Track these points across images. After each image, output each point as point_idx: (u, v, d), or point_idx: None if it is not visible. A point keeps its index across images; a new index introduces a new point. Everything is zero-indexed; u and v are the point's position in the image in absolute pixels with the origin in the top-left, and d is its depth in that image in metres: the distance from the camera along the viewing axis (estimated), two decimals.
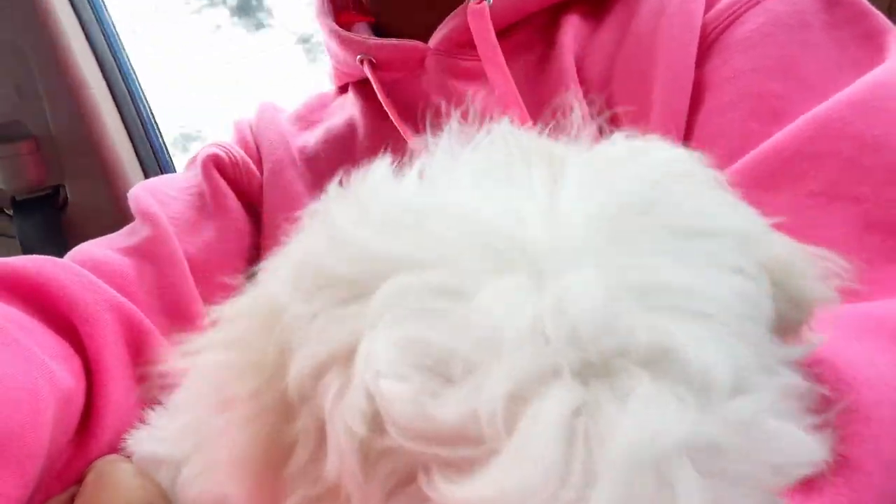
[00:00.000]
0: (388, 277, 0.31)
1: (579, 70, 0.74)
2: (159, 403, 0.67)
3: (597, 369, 0.29)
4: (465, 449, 0.29)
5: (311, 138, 0.94)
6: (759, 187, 0.52)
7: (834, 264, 0.39)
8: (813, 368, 0.37)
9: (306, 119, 0.99)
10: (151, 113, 1.50)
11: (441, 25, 0.82)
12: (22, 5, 1.35)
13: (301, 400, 0.33)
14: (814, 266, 0.38)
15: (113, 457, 0.62)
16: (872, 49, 0.60)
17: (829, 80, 0.58)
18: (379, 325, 0.31)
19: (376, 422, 0.31)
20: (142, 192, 0.85)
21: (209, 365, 0.38)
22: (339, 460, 0.32)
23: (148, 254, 0.78)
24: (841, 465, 0.39)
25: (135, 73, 1.51)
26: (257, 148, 0.93)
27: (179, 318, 0.76)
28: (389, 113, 0.84)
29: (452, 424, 0.29)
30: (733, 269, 0.33)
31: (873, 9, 0.63)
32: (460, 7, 0.80)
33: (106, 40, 1.47)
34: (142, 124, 1.46)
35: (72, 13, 1.43)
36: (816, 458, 0.33)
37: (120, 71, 1.48)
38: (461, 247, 0.32)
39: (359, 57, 0.87)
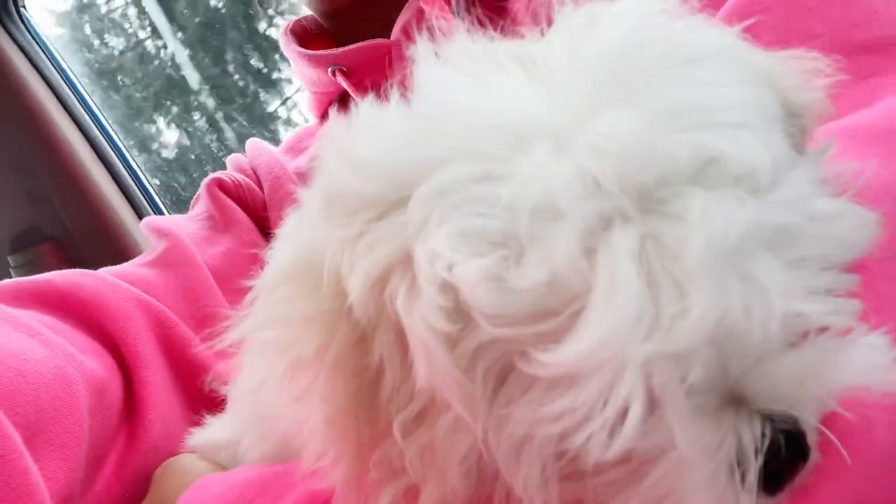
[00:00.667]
0: (417, 184, 0.33)
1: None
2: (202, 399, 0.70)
3: (651, 198, 0.31)
4: (553, 318, 0.30)
5: (304, 160, 0.97)
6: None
7: (816, 62, 0.41)
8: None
9: (296, 148, 1.02)
10: (155, 192, 1.57)
11: (398, 18, 0.85)
12: (25, 121, 1.44)
13: (371, 322, 0.34)
14: (796, 74, 0.40)
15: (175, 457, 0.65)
16: None
17: None
18: (429, 224, 0.32)
19: (458, 314, 0.31)
20: (154, 218, 0.89)
21: (265, 342, 0.39)
22: (427, 364, 0.32)
23: (168, 262, 0.81)
24: None
25: (135, 161, 1.59)
26: (254, 171, 0.97)
27: (204, 317, 0.78)
28: None
29: (534, 293, 0.30)
30: (740, 81, 0.35)
31: None
32: None
33: (107, 140, 1.55)
34: (148, 203, 1.53)
35: (71, 122, 1.51)
36: (871, 225, 0.35)
37: (123, 164, 1.56)
38: (476, 138, 0.33)
39: (330, 69, 0.91)
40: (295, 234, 0.42)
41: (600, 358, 0.29)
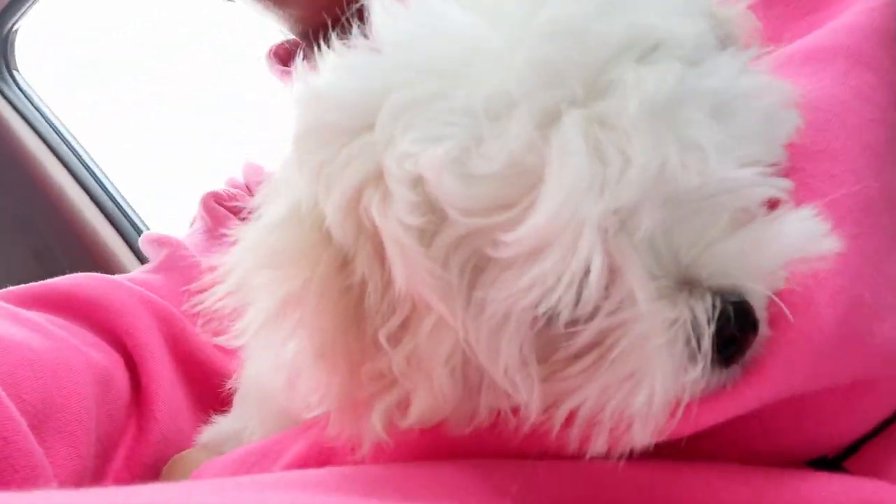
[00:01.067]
0: (379, 108, 0.35)
1: None
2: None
3: (595, 79, 0.34)
4: (516, 204, 0.33)
5: None
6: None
7: None
8: None
9: None
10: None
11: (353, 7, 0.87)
12: (24, 179, 1.46)
13: (350, 243, 0.36)
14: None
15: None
16: None
17: None
18: (395, 137, 0.34)
19: (428, 207, 0.34)
20: (151, 232, 0.90)
21: (257, 288, 0.40)
22: (404, 263, 0.34)
23: (171, 266, 0.82)
24: None
25: (140, 218, 1.60)
26: (247, 187, 0.99)
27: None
28: None
29: (496, 179, 0.33)
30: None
31: None
32: None
33: (110, 198, 1.57)
34: None
35: (70, 177, 1.53)
36: (794, 101, 0.40)
37: (129, 222, 1.58)
38: (429, 59, 0.36)
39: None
40: (275, 190, 0.43)
41: (559, 224, 0.32)
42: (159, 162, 1.76)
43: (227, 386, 0.64)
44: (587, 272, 0.33)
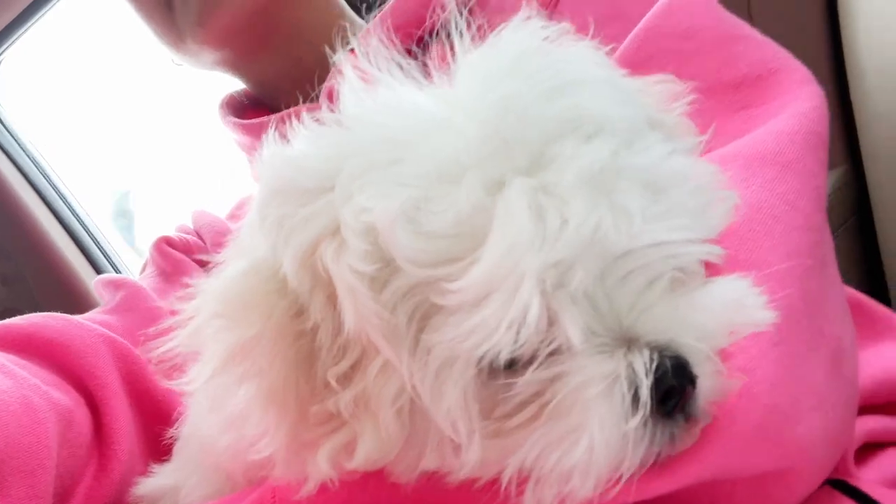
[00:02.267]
0: (339, 172, 0.39)
1: None
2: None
3: (537, 152, 0.38)
4: (463, 258, 0.36)
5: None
6: None
7: (671, 87, 0.50)
8: None
9: (238, 216, 1.02)
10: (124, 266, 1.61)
11: (325, 83, 0.83)
12: None
13: (304, 285, 0.39)
14: (658, 96, 0.49)
15: None
16: None
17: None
18: (352, 195, 0.38)
19: (379, 256, 0.37)
20: (105, 276, 0.89)
21: (208, 338, 0.43)
22: (354, 307, 0.37)
23: (128, 307, 0.81)
24: None
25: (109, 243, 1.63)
26: (198, 233, 0.98)
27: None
28: None
29: (445, 235, 0.37)
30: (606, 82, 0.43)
31: None
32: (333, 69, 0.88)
33: (78, 221, 1.59)
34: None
35: (43, 204, 1.55)
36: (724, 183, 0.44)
37: (100, 250, 1.60)
38: (388, 129, 0.40)
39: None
40: (238, 247, 0.46)
41: (501, 273, 0.36)
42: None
43: (169, 434, 0.64)
44: (525, 319, 0.36)
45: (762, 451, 0.43)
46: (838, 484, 0.52)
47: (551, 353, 0.38)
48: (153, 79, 1.60)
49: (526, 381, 0.38)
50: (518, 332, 0.36)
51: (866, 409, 0.60)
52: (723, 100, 0.60)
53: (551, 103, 0.40)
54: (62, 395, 0.65)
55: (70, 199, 1.59)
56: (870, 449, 0.59)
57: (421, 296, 0.38)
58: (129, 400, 0.72)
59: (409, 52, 0.45)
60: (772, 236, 0.48)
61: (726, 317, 0.41)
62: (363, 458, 0.39)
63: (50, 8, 1.45)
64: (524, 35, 0.45)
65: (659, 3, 0.65)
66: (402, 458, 0.40)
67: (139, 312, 0.81)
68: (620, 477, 0.38)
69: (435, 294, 0.37)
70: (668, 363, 0.38)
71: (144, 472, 0.72)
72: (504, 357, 0.38)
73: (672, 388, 0.38)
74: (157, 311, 0.82)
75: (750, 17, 1.20)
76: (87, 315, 0.80)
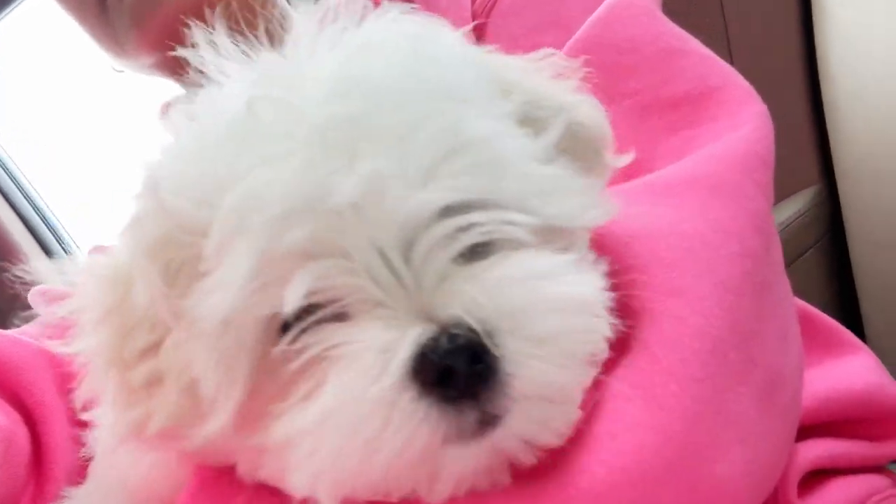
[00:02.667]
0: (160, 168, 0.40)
1: None
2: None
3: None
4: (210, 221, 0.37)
5: None
6: None
7: (558, 63, 0.47)
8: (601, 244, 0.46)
9: None
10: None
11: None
12: None
13: (130, 272, 0.40)
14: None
15: None
16: None
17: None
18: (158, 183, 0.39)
19: (161, 230, 0.38)
20: (45, 287, 0.84)
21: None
22: (145, 284, 0.39)
23: (66, 325, 0.78)
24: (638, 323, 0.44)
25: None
26: None
27: None
28: None
29: (203, 195, 0.37)
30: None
31: None
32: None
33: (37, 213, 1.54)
34: None
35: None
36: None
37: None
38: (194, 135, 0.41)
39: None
40: None
41: (227, 234, 0.36)
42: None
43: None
44: (239, 280, 0.35)
45: (674, 491, 0.41)
46: None
47: (338, 320, 0.36)
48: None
49: (286, 351, 0.37)
50: (251, 295, 0.35)
51: (812, 429, 0.58)
52: (662, 118, 0.57)
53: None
54: (1, 416, 0.63)
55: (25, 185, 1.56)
56: (817, 477, 0.57)
57: (192, 264, 0.38)
58: (69, 415, 0.68)
59: None
60: (699, 263, 0.46)
61: (536, 293, 0.37)
62: (155, 428, 0.39)
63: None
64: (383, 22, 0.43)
65: (598, 11, 0.63)
66: (196, 429, 0.39)
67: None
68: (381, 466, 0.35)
69: (199, 261, 0.37)
70: (444, 338, 0.34)
71: None
72: (250, 320, 0.37)
73: (448, 368, 0.34)
74: None
75: (726, 33, 1.20)
76: (23, 329, 0.77)
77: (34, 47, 1.64)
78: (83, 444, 0.68)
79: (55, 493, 0.64)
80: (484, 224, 0.37)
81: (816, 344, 0.62)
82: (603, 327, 0.40)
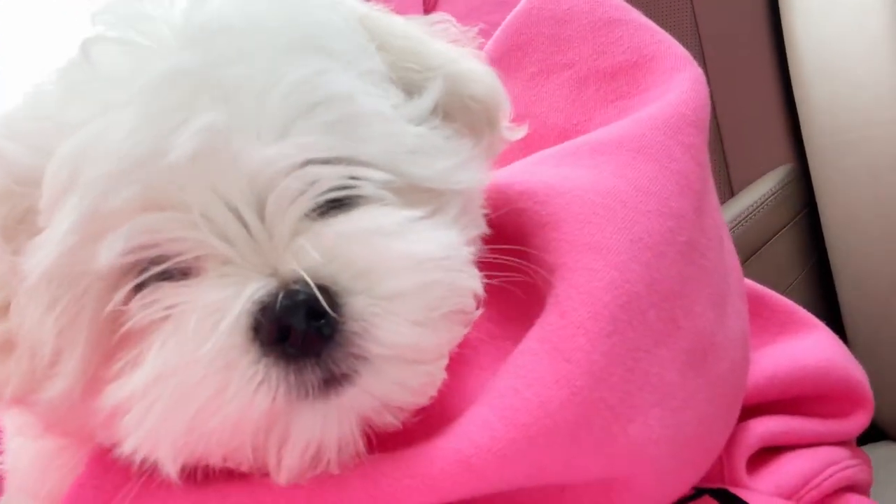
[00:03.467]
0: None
1: None
2: None
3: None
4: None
5: None
6: None
7: (452, 30, 0.47)
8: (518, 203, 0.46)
9: None
10: None
11: None
12: None
13: None
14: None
15: None
16: None
17: None
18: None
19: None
20: None
21: None
22: None
23: None
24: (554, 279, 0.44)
25: None
26: None
27: None
28: None
29: (38, 142, 0.36)
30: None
31: None
32: None
33: None
34: None
35: None
36: None
37: None
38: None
39: None
40: None
41: (59, 188, 0.34)
42: None
43: None
44: (62, 236, 0.34)
45: (584, 451, 0.40)
46: (720, 494, 0.49)
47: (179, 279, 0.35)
48: None
49: (123, 311, 0.36)
50: (77, 257, 0.34)
51: (763, 407, 0.57)
52: (598, 90, 0.57)
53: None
54: None
55: None
56: (769, 453, 0.56)
57: (30, 221, 0.36)
58: None
59: None
60: (615, 220, 0.45)
61: (382, 250, 0.36)
62: (10, 393, 0.39)
63: None
64: None
65: None
66: (40, 394, 0.38)
67: None
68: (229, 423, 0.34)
69: (36, 216, 0.36)
70: (282, 298, 0.33)
71: None
72: (83, 276, 0.35)
73: (287, 326, 0.33)
74: None
75: (694, 16, 1.19)
76: None
77: None
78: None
79: None
80: (338, 180, 0.36)
81: (771, 324, 0.62)
82: (463, 283, 0.39)
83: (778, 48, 1.24)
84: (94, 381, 0.37)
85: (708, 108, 0.54)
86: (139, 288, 0.36)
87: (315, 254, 0.34)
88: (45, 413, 0.39)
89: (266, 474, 0.37)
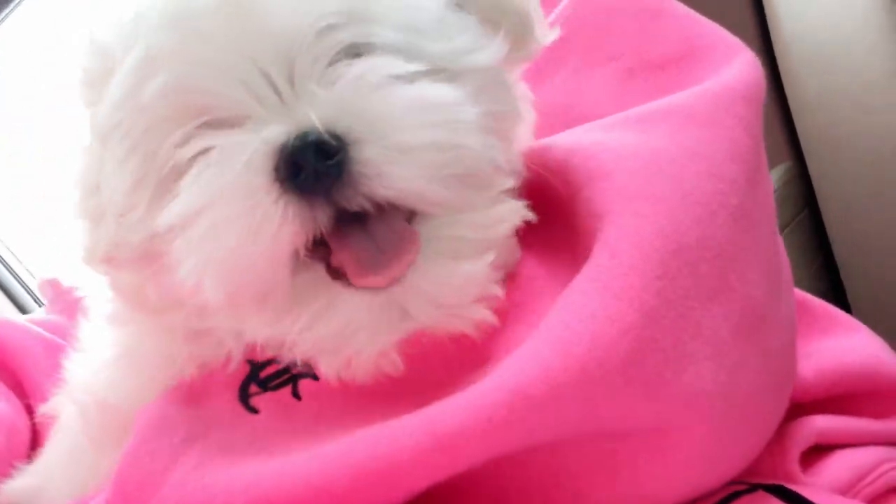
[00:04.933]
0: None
1: None
2: None
3: None
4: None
5: None
6: (531, 80, 0.59)
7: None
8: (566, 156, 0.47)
9: None
10: None
11: None
12: None
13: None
14: None
15: None
16: None
17: None
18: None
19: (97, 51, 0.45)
20: (51, 277, 0.86)
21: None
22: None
23: (74, 309, 0.77)
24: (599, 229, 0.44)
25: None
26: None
27: None
28: None
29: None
30: None
31: None
32: None
33: None
34: None
35: None
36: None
37: None
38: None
39: None
40: None
41: (126, 46, 0.42)
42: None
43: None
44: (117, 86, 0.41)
45: (636, 392, 0.39)
46: (775, 489, 0.47)
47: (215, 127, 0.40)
48: None
49: (178, 152, 0.41)
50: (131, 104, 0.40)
51: (812, 405, 0.56)
52: (648, 80, 0.57)
53: None
54: (4, 404, 0.64)
55: None
56: (819, 451, 0.54)
57: (105, 82, 0.43)
58: None
59: None
60: (664, 175, 0.44)
61: (394, 98, 0.39)
62: (102, 251, 0.45)
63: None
64: None
65: None
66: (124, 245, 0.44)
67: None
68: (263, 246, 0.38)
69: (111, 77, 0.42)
70: (294, 139, 0.37)
71: None
72: (136, 127, 0.41)
73: (295, 161, 0.37)
74: None
75: None
76: (30, 315, 0.82)
77: None
78: None
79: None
80: (356, 37, 0.40)
81: (813, 329, 0.61)
82: (475, 146, 0.41)
83: (765, 42, 1.22)
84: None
85: (762, 87, 0.53)
86: (189, 135, 0.41)
87: (327, 101, 0.38)
88: (129, 276, 0.46)
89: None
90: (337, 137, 0.37)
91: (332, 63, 0.40)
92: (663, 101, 0.51)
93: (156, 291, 0.45)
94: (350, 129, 0.38)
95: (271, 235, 0.38)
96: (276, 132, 0.38)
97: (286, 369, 0.45)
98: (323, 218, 0.38)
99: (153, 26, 0.40)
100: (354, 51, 0.41)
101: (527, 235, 0.47)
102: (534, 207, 0.46)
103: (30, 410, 0.66)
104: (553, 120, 0.56)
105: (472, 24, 0.46)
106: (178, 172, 0.41)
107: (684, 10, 0.60)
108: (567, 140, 0.50)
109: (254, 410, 0.44)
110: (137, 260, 0.44)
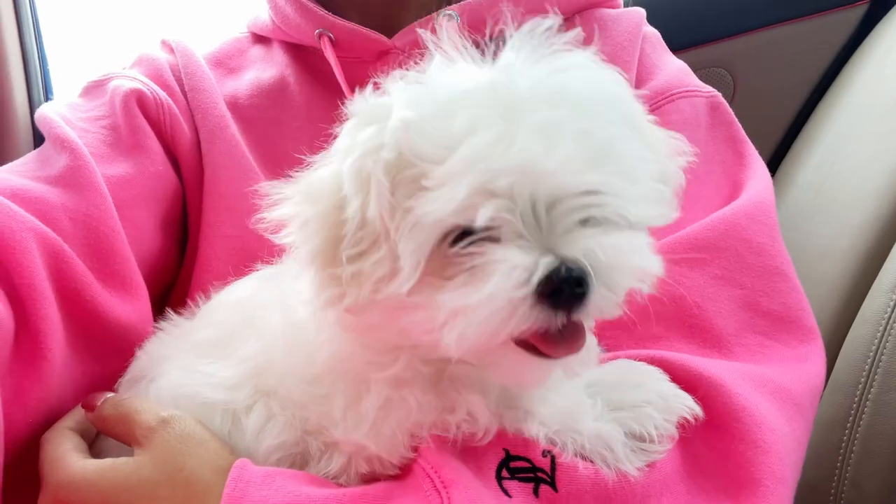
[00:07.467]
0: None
1: None
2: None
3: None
4: (445, 158, 0.51)
5: (240, 89, 0.97)
6: (678, 264, 0.76)
7: (678, 145, 0.63)
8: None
9: (225, 65, 1.01)
10: None
11: (408, 28, 0.92)
12: None
13: (350, 185, 0.54)
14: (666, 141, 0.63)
15: (169, 411, 0.66)
16: (733, 153, 0.89)
17: (705, 174, 0.84)
18: (396, 118, 0.54)
19: (398, 157, 0.52)
20: (53, 115, 0.82)
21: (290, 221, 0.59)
22: (376, 194, 0.53)
23: (71, 183, 0.77)
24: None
25: None
26: (185, 95, 0.93)
27: (102, 250, 0.77)
28: (344, 89, 0.91)
29: (442, 138, 0.51)
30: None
31: (736, 119, 0.92)
32: (429, 16, 0.91)
33: None
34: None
35: None
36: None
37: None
38: (432, 91, 0.55)
39: (318, 31, 0.93)
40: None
41: (451, 173, 0.51)
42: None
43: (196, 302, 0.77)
44: (455, 204, 0.50)
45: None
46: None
47: (491, 241, 0.52)
48: None
49: (463, 254, 0.52)
50: (457, 213, 0.51)
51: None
52: (753, 318, 0.77)
53: (558, 86, 0.54)
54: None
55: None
56: None
57: (416, 183, 0.52)
58: (58, 303, 0.71)
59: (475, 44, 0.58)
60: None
61: (628, 258, 0.54)
62: (344, 304, 0.56)
63: None
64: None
65: (748, 197, 0.82)
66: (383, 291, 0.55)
67: (82, 192, 0.78)
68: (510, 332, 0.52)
69: (424, 180, 0.52)
70: (563, 267, 0.51)
71: (83, 380, 0.73)
72: (446, 229, 0.52)
73: (560, 288, 0.51)
74: (101, 194, 0.79)
75: None
76: (23, 183, 0.76)
77: None
78: (76, 333, 0.73)
79: (50, 370, 0.68)
80: (606, 207, 0.53)
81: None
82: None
83: None
84: (419, 286, 0.53)
85: (821, 381, 0.78)
86: (461, 238, 0.53)
87: (593, 249, 0.52)
88: (369, 315, 0.57)
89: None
90: (587, 273, 0.51)
91: (582, 214, 0.53)
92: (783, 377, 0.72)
93: (393, 332, 0.57)
94: (594, 268, 0.51)
95: (518, 329, 0.51)
96: (548, 259, 0.50)
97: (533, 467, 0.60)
98: (558, 323, 0.52)
99: (486, 168, 0.50)
100: (599, 213, 0.54)
101: None
102: None
103: (20, 302, 0.67)
104: None
105: (668, 195, 0.59)
106: (452, 260, 0.53)
107: (796, 280, 0.80)
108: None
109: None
110: (390, 309, 0.55)
